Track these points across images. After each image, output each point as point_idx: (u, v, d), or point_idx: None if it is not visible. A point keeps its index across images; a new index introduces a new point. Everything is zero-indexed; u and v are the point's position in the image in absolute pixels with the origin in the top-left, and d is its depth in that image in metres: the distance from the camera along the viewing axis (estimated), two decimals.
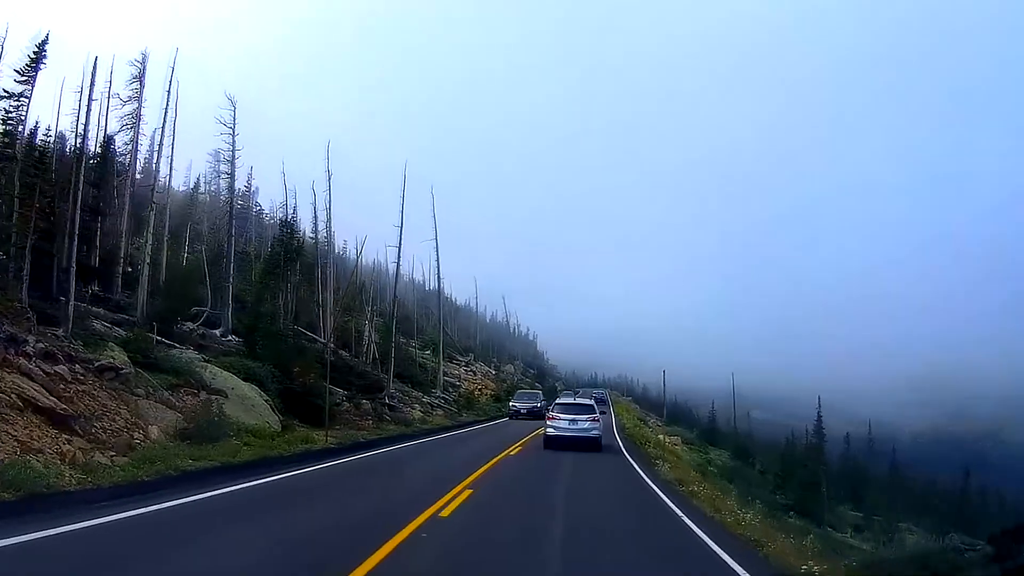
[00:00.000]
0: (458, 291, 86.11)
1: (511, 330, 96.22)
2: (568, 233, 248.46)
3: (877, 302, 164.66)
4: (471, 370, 51.98)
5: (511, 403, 34.57)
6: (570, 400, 22.48)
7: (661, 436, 33.35)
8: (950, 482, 56.97)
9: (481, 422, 30.96)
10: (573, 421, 18.46)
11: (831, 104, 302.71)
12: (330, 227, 32.11)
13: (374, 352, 32.11)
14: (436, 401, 32.96)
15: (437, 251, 35.39)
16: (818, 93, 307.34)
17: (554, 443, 17.90)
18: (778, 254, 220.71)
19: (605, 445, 19.11)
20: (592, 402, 21.51)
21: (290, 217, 24.49)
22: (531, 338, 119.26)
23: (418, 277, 64.86)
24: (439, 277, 35.35)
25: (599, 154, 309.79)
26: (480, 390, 45.99)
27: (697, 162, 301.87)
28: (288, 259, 23.53)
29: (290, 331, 23.21)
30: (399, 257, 27.19)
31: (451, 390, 38.98)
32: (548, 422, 18.96)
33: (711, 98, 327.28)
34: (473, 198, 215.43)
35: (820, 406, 38.95)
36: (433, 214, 35.26)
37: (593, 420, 18.75)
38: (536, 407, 32.68)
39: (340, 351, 28.74)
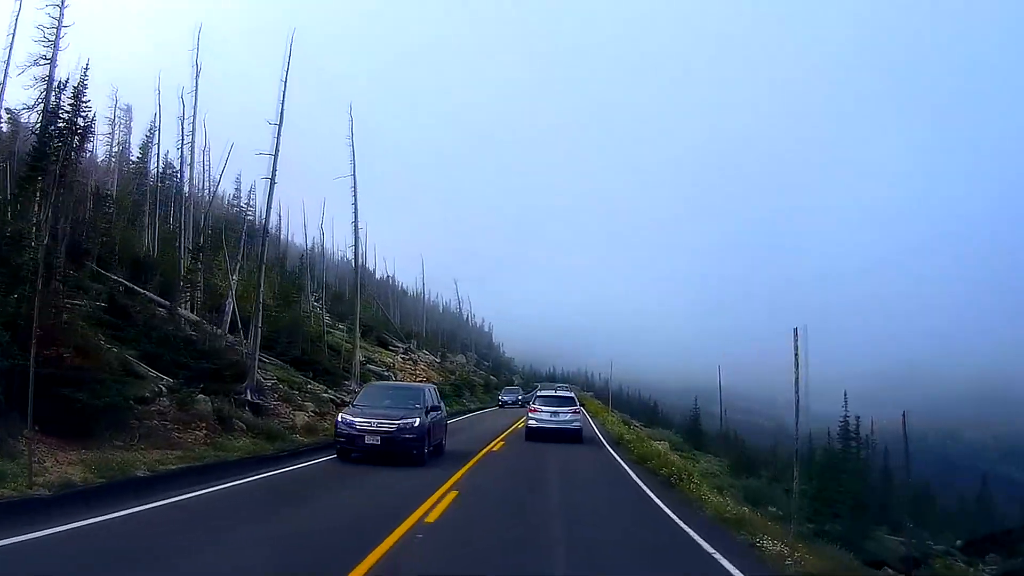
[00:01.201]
0: (407, 277, 76.59)
1: (464, 318, 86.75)
2: (531, 228, 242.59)
3: (844, 302, 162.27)
4: (410, 358, 42.11)
5: (342, 415, 13.30)
6: (551, 393, 22.43)
7: (659, 445, 25.28)
8: (954, 488, 51.33)
9: None
10: (555, 413, 19.01)
11: (818, 106, 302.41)
12: (194, 141, 21.81)
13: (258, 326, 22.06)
14: (349, 397, 23.10)
15: (355, 190, 25.42)
16: (807, 92, 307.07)
17: (536, 435, 18.59)
18: (750, 255, 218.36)
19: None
20: (572, 395, 22.06)
21: (83, 82, 14.11)
22: (486, 329, 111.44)
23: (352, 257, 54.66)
24: (356, 225, 25.44)
25: (573, 146, 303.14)
26: (419, 383, 36.22)
27: (680, 161, 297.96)
28: (57, 152, 13.24)
29: (61, 272, 12.99)
30: (273, 170, 17.21)
31: (379, 380, 29.10)
32: (530, 414, 19.52)
33: (699, 87, 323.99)
34: (435, 193, 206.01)
35: (846, 403, 30.77)
36: (351, 142, 25.32)
37: (574, 412, 19.61)
38: (411, 428, 12.58)
39: (183, 315, 18.56)
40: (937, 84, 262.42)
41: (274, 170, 17.42)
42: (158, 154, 28.24)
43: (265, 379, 19.00)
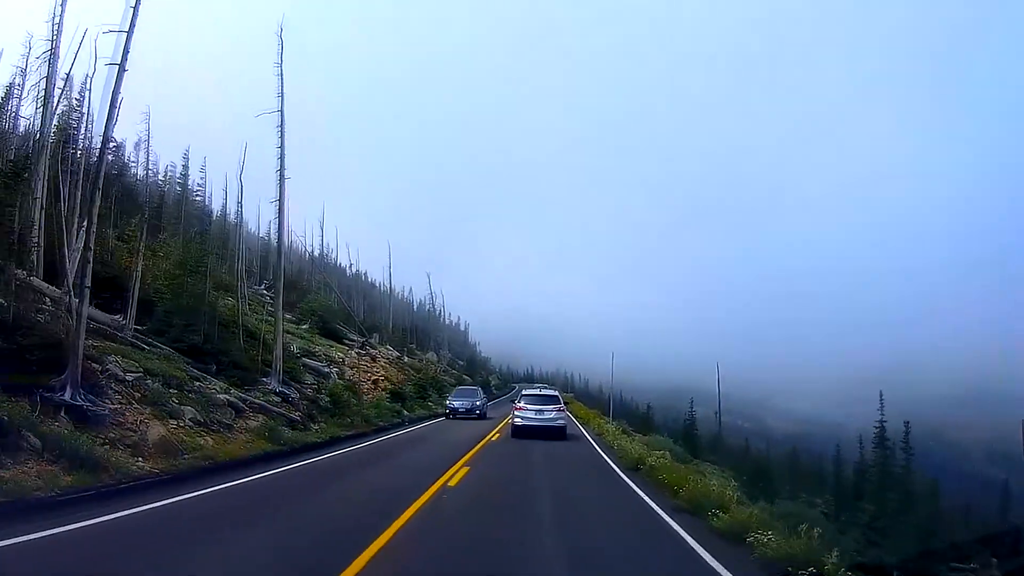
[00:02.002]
0: (382, 275, 70.46)
1: (436, 312, 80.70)
2: (517, 227, 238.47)
3: (842, 303, 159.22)
4: (366, 355, 36.09)
5: None
6: (536, 392, 22.39)
7: (664, 454, 20.05)
8: (945, 488, 47.39)
9: (320, 448, 15.16)
10: (540, 411, 19.76)
11: (818, 105, 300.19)
12: (56, 40, 15.73)
13: (135, 295, 16.26)
14: (263, 400, 17.23)
15: (281, 128, 19.42)
16: (805, 93, 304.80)
17: (521, 432, 19.18)
18: (743, 255, 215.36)
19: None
20: (556, 394, 22.70)
21: None
22: (462, 328, 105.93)
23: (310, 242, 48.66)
24: (282, 174, 19.40)
25: (568, 143, 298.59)
26: (374, 382, 30.34)
27: (678, 159, 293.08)
28: None
29: None
30: (125, 52, 11.33)
31: (316, 379, 23.19)
32: (515, 412, 20.14)
33: (698, 90, 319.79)
34: (421, 193, 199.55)
35: (882, 405, 25.73)
36: (280, 70, 19.42)
37: (559, 411, 20.23)
38: None
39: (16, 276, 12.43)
40: (938, 84, 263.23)
41: (125, 51, 11.52)
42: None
43: (124, 370, 13.05)
